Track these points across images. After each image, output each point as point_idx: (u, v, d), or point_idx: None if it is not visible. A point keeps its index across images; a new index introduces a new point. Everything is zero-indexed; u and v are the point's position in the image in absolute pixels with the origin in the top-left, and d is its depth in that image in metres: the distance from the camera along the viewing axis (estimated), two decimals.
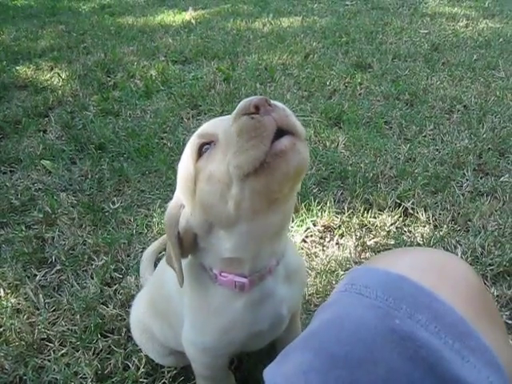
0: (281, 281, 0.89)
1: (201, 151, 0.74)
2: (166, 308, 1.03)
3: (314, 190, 1.84)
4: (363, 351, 0.54)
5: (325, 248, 1.62)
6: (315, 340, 0.59)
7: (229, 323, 0.89)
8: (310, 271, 1.50)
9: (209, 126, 0.76)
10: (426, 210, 1.74)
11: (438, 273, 0.63)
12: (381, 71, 2.97)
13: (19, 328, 1.34)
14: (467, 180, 1.91)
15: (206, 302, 0.89)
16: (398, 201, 1.79)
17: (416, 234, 1.65)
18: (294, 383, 0.55)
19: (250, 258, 0.81)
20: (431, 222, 1.70)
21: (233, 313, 0.88)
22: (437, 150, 2.13)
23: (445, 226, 1.67)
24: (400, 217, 1.72)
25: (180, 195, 0.80)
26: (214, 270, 0.84)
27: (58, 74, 3.13)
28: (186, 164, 0.77)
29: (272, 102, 0.67)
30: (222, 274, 0.84)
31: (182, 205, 0.79)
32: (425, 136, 2.24)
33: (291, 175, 0.67)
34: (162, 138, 2.28)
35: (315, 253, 1.59)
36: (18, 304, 1.43)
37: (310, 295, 1.42)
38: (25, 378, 1.21)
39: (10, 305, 1.42)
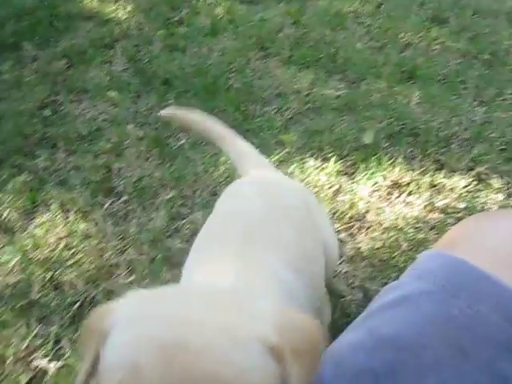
0: None
1: None
2: None
3: (385, 145, 1.78)
4: (412, 335, 0.55)
5: (391, 204, 1.58)
6: (371, 320, 0.61)
7: None
8: (376, 226, 1.47)
9: None
10: (501, 177, 1.66)
11: None
12: (458, 27, 2.77)
13: (89, 252, 1.38)
14: None
15: None
16: (471, 164, 1.71)
17: (488, 201, 1.58)
18: (345, 359, 0.58)
19: None
20: (505, 190, 1.62)
21: None
22: None
23: None
24: (473, 181, 1.65)
25: None
26: None
27: (123, 6, 3.09)
28: None
29: None
30: None
31: None
32: (504, 100, 2.11)
33: None
34: (229, 78, 2.23)
35: (382, 208, 1.56)
36: (87, 230, 1.47)
37: (376, 249, 1.40)
38: (96, 299, 1.26)
39: (80, 229, 1.46)
